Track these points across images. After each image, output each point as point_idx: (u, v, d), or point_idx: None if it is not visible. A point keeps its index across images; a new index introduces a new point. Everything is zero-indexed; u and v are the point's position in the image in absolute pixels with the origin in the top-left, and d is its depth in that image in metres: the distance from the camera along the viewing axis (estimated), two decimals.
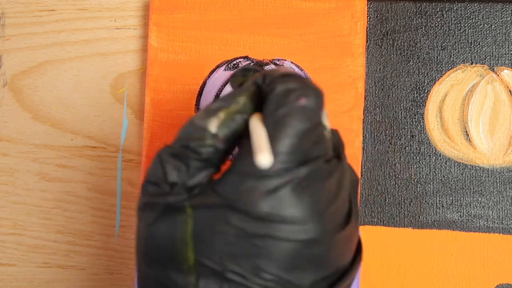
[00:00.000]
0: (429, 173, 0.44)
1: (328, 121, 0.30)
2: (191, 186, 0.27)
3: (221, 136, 0.27)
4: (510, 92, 0.44)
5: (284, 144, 0.26)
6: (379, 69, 0.45)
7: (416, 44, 0.45)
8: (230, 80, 0.31)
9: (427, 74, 0.45)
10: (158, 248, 0.27)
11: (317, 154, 0.27)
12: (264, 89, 0.28)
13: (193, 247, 0.26)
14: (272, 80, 0.27)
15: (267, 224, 0.25)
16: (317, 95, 0.27)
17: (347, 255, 0.28)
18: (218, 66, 0.46)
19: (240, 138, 0.28)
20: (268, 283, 0.26)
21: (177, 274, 0.26)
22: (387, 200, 0.44)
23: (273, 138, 0.26)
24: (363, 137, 0.45)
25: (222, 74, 0.46)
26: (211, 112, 0.28)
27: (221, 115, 0.27)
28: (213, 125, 0.27)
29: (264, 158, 0.25)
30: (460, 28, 0.45)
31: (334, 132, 0.30)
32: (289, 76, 0.28)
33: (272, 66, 0.46)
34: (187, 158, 0.27)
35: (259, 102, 0.28)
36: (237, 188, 0.26)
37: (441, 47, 0.45)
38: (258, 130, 0.26)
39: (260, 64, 0.46)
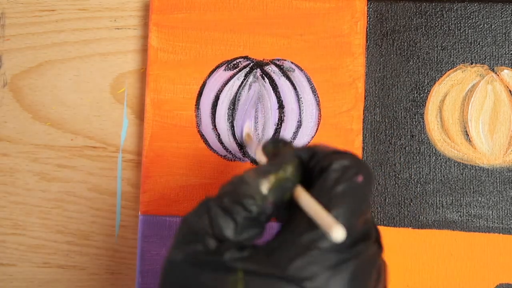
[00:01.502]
0: (429, 173, 0.44)
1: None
2: (239, 245, 0.27)
3: (271, 199, 0.28)
4: (510, 92, 0.44)
5: (343, 221, 0.26)
6: (379, 69, 0.45)
7: (416, 44, 0.45)
8: (262, 149, 0.32)
9: (427, 74, 0.45)
10: None
11: (365, 233, 0.27)
12: (311, 164, 0.28)
13: None
14: (325, 156, 0.28)
15: None
16: (370, 173, 0.27)
17: None
18: (218, 66, 0.46)
19: (281, 206, 0.28)
20: None
21: None
22: (387, 200, 0.44)
23: (332, 214, 0.26)
24: (363, 137, 0.45)
25: (222, 74, 0.46)
26: (262, 173, 0.28)
27: (272, 178, 0.28)
28: (265, 187, 0.28)
29: (339, 232, 0.24)
30: (460, 28, 0.45)
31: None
32: (343, 153, 0.28)
33: (272, 66, 0.46)
34: (236, 214, 0.27)
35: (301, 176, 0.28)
36: (295, 261, 0.25)
37: (441, 47, 0.45)
38: (314, 205, 0.26)
39: (260, 64, 0.46)
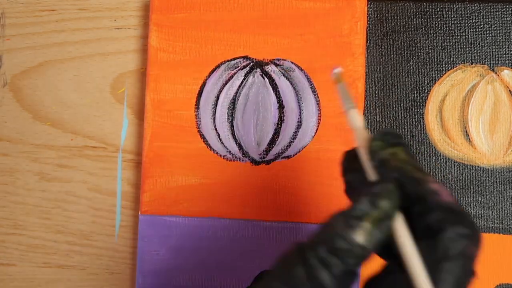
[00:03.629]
0: (429, 173, 0.44)
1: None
2: None
3: (370, 247, 0.26)
4: (510, 92, 0.44)
5: None
6: (379, 69, 0.45)
7: (416, 44, 0.45)
8: (369, 144, 0.29)
9: (427, 74, 0.45)
10: None
11: None
12: (417, 210, 0.26)
13: None
14: (438, 209, 0.26)
15: None
16: (480, 243, 0.26)
17: None
18: (218, 66, 0.46)
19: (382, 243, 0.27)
20: None
21: None
22: None
23: (436, 285, 0.25)
24: None
25: (222, 74, 0.46)
26: (354, 221, 0.26)
27: (366, 225, 0.26)
28: (361, 238, 0.26)
29: None
30: (460, 28, 0.45)
31: None
32: (458, 215, 0.26)
33: (272, 66, 0.46)
34: (333, 266, 0.26)
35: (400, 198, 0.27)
36: None
37: (441, 47, 0.45)
38: (416, 263, 0.25)
39: (260, 64, 0.46)
